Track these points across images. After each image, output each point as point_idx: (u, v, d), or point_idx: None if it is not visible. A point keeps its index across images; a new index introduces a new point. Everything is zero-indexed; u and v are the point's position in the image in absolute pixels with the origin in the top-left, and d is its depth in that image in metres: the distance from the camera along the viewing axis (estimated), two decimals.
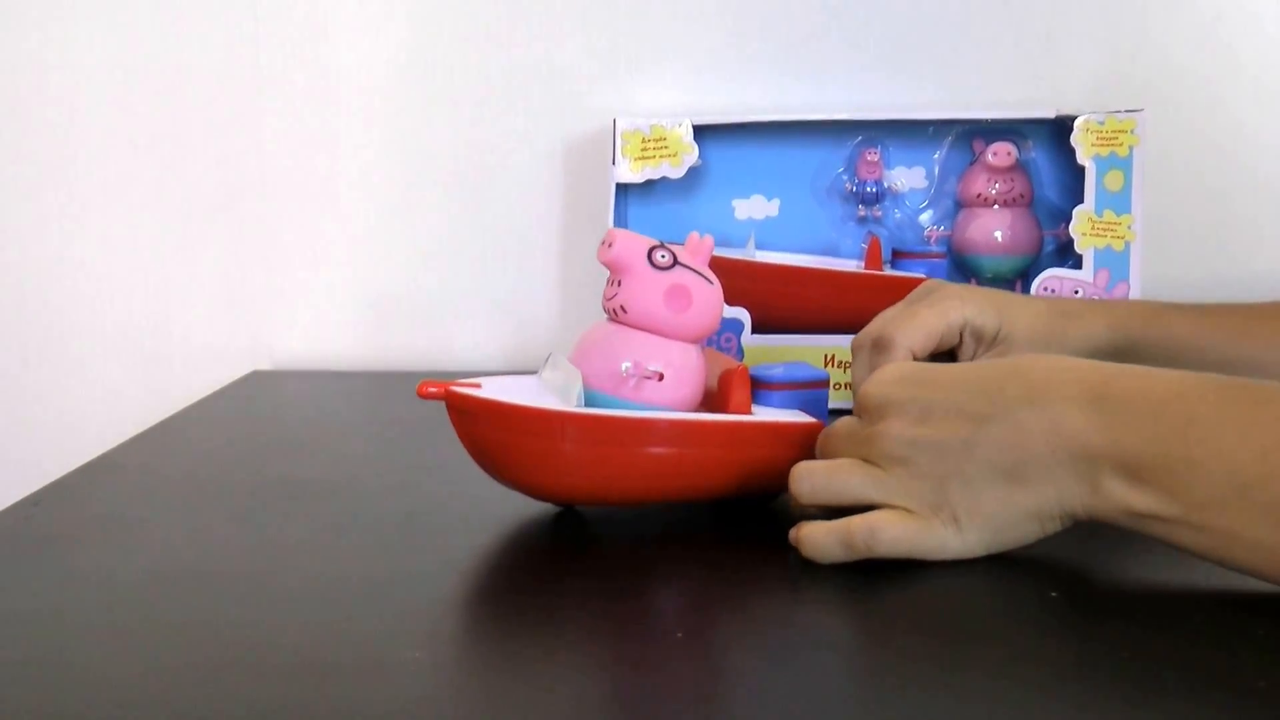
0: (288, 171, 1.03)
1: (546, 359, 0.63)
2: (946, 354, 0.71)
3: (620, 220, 0.92)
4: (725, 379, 0.61)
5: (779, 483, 0.60)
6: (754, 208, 0.96)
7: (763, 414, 0.63)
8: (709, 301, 0.60)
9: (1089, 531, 0.52)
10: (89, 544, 0.59)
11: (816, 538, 0.55)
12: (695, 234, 0.62)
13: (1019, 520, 0.53)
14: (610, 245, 0.59)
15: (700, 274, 0.60)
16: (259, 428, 0.86)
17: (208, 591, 0.53)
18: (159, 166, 1.03)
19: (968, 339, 0.70)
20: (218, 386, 0.98)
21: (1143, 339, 0.70)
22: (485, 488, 0.61)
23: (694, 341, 0.61)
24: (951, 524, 0.53)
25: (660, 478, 0.59)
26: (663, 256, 0.59)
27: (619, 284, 0.60)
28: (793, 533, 0.56)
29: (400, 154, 1.03)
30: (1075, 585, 0.52)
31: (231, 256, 1.04)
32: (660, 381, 0.59)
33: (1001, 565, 0.53)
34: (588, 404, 0.58)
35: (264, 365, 1.05)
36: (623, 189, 0.91)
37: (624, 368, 0.59)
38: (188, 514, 0.64)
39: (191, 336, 1.05)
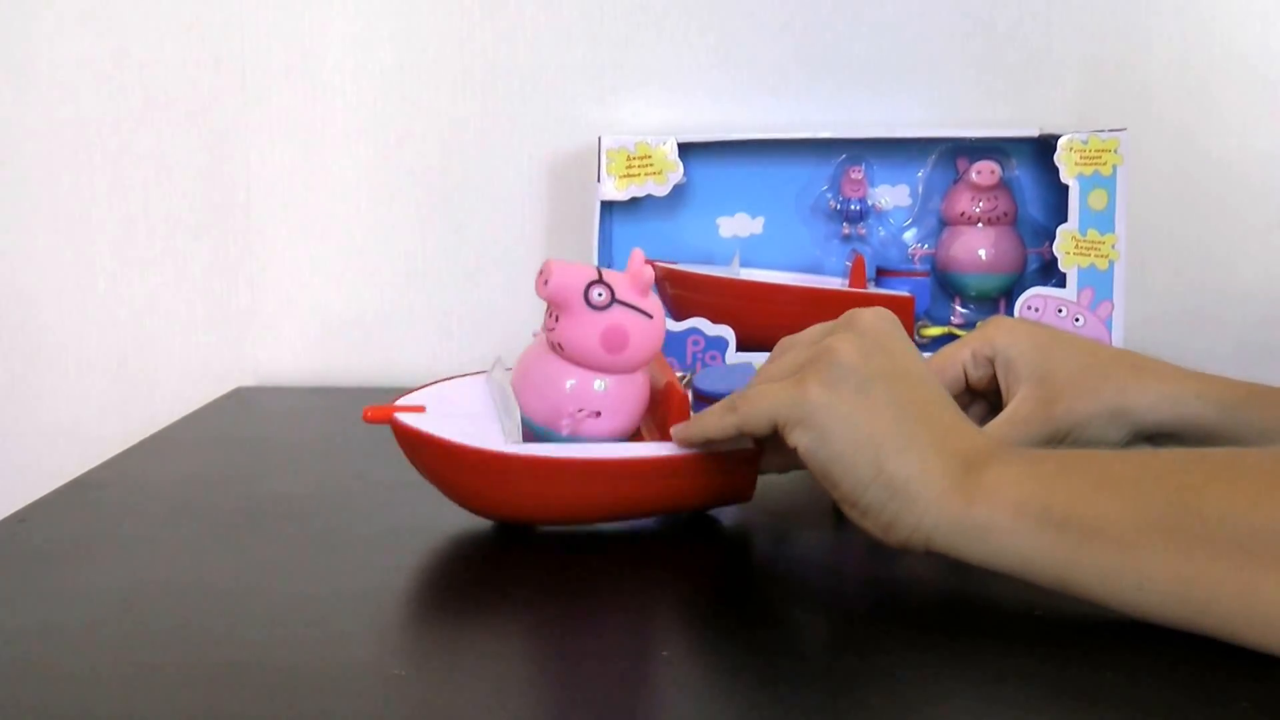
0: (271, 188, 1.03)
1: (495, 361, 0.64)
2: (994, 396, 0.65)
3: (605, 238, 0.92)
4: (665, 403, 0.62)
5: (720, 499, 0.63)
6: (739, 225, 0.96)
7: None
8: (647, 338, 0.60)
9: None
10: (74, 560, 0.59)
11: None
12: (638, 253, 0.61)
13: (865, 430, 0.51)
14: (547, 282, 0.58)
15: (639, 310, 0.60)
16: (243, 444, 0.86)
17: (192, 607, 0.53)
18: (144, 184, 1.03)
19: (1000, 373, 0.64)
20: (202, 403, 0.97)
21: (1243, 419, 0.59)
22: None
23: (632, 373, 0.61)
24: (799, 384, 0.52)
25: (603, 505, 0.61)
26: (599, 295, 0.59)
27: (557, 319, 0.59)
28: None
29: (384, 171, 1.03)
30: (1059, 601, 0.52)
31: (215, 273, 1.04)
32: (598, 418, 0.60)
33: (986, 583, 0.53)
34: (526, 429, 0.60)
35: (248, 382, 1.05)
36: (607, 206, 0.91)
37: (564, 421, 0.60)
38: (173, 530, 0.64)
39: (175, 353, 1.04)
